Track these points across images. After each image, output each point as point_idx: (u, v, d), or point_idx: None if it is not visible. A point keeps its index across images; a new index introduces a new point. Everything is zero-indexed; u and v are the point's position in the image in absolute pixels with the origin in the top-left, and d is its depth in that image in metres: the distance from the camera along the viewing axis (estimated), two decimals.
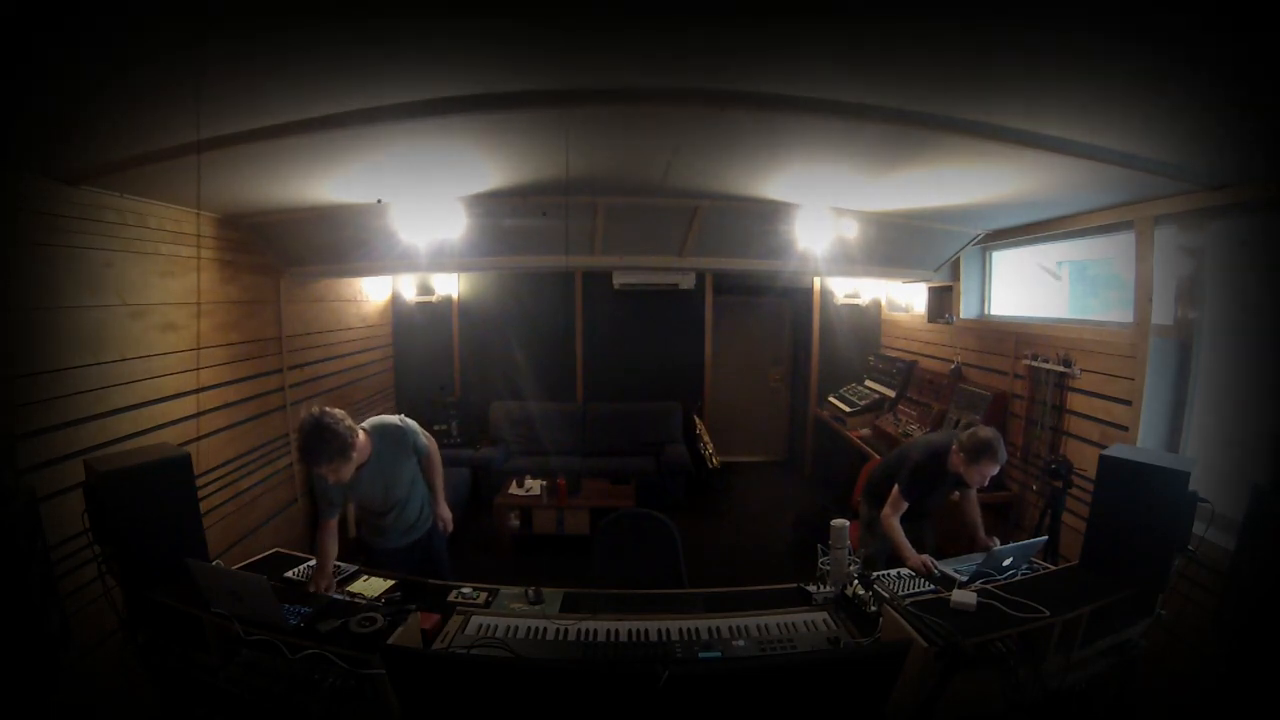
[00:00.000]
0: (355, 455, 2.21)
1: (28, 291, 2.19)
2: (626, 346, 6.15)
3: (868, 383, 5.74)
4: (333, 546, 2.27)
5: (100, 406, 2.48)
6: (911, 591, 2.16)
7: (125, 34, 1.34)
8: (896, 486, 2.66)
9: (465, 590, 2.20)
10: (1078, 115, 1.87)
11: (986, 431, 2.49)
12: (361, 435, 2.27)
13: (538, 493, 4.66)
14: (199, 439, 3.09)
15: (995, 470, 2.50)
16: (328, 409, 2.18)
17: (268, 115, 1.90)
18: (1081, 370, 3.34)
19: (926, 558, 2.40)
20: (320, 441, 2.10)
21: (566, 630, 1.96)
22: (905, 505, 2.63)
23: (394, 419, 2.49)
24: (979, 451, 2.46)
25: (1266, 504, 2.04)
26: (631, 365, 6.14)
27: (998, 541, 2.54)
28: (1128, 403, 2.99)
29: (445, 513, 2.74)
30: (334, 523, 2.31)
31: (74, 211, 2.38)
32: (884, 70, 1.64)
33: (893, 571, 2.37)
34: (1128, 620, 1.99)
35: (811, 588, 2.21)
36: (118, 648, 2.07)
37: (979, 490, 2.66)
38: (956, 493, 2.84)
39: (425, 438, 2.58)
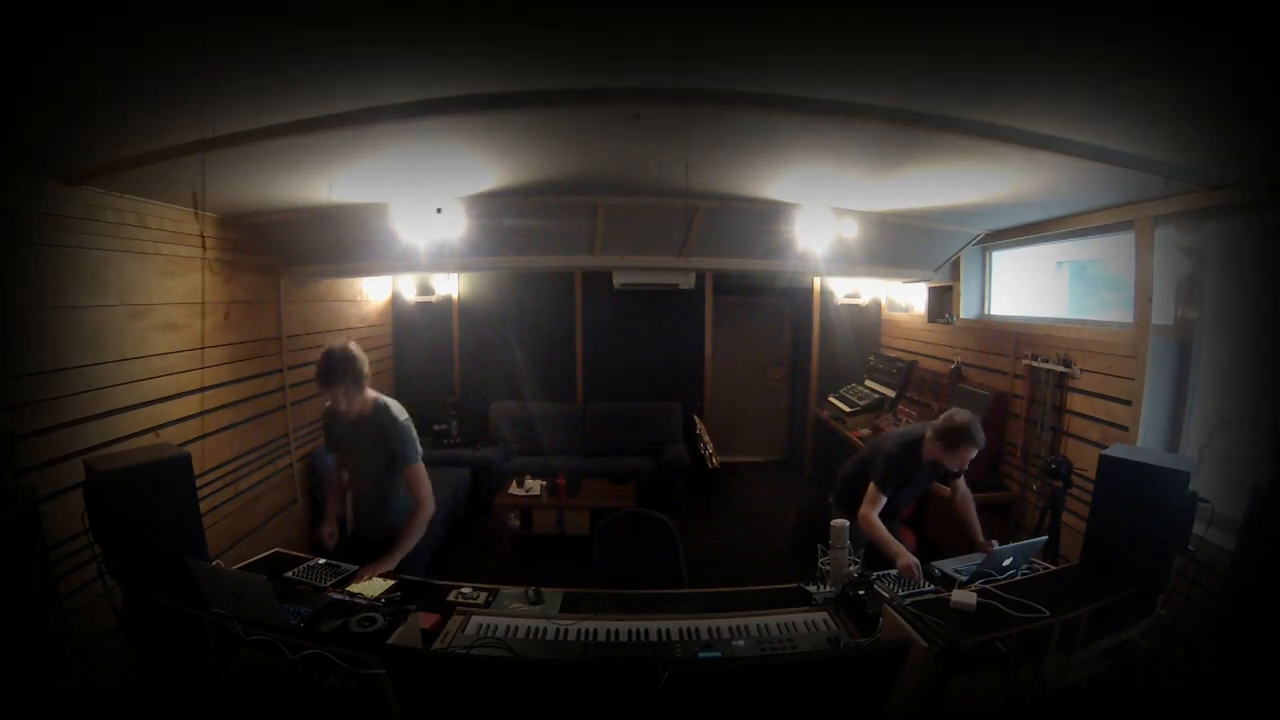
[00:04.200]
0: (364, 393, 2.35)
1: (28, 291, 2.19)
2: (626, 346, 6.14)
3: (868, 383, 5.73)
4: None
5: (100, 406, 2.48)
6: (911, 591, 2.16)
7: (125, 34, 1.34)
8: (872, 482, 2.58)
9: (465, 590, 2.20)
10: (1077, 115, 1.87)
11: (962, 415, 2.44)
12: (371, 392, 2.40)
13: (538, 493, 4.66)
14: (200, 439, 3.10)
15: (974, 453, 2.45)
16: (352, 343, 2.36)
17: (268, 115, 1.90)
18: (1081, 370, 3.33)
19: (914, 560, 2.31)
20: (340, 363, 2.26)
21: (566, 630, 1.96)
22: (884, 500, 2.55)
23: (402, 412, 2.40)
24: (957, 436, 2.41)
25: (1266, 504, 2.04)
26: (631, 365, 6.14)
27: (995, 544, 2.52)
28: (1128, 403, 2.99)
29: (381, 565, 2.25)
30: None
31: (74, 211, 2.38)
32: (884, 70, 1.64)
33: (892, 572, 2.36)
34: (1128, 620, 1.99)
35: (811, 588, 2.21)
36: (118, 648, 2.07)
37: (976, 491, 2.64)
38: (947, 487, 2.79)
39: (419, 477, 2.38)
